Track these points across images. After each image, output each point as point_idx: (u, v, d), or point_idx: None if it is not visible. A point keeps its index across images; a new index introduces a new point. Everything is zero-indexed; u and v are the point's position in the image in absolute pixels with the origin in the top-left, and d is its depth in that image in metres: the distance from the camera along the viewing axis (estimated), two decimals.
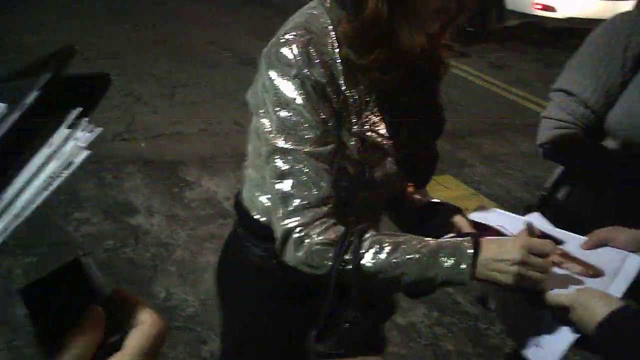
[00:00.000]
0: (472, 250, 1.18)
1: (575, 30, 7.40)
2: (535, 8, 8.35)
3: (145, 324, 0.52)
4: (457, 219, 1.43)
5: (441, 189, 4.39)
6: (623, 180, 1.74)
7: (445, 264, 1.18)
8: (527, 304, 1.30)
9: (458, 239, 1.23)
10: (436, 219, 1.46)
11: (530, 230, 1.33)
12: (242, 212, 1.43)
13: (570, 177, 1.87)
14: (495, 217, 1.46)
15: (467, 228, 1.40)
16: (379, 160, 1.29)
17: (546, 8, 8.31)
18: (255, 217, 1.39)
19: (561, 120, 1.75)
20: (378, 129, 1.27)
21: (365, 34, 1.19)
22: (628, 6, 2.04)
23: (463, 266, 1.17)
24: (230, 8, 8.34)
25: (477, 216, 1.46)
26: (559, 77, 1.82)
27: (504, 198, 4.45)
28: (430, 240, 1.22)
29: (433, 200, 1.54)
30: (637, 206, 1.67)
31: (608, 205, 1.75)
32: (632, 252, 1.37)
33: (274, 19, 1.38)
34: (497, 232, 1.39)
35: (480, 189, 4.55)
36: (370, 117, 1.27)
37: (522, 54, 8.42)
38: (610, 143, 1.73)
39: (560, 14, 8.27)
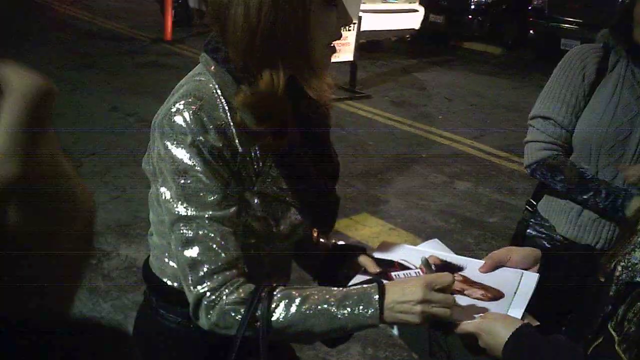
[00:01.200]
0: (377, 296, 1.22)
1: None
2: None
3: (19, 85, 0.43)
4: (363, 259, 1.48)
5: (360, 228, 4.47)
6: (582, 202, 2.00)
7: (354, 312, 1.21)
8: (433, 332, 1.36)
9: (364, 285, 1.27)
10: (342, 263, 1.52)
11: (427, 263, 1.38)
12: (152, 280, 1.42)
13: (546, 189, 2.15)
14: (398, 251, 1.52)
15: (373, 267, 1.45)
16: (283, 213, 1.33)
17: None
18: (167, 283, 1.39)
19: (544, 142, 2.02)
20: (278, 184, 1.31)
21: (257, 103, 1.23)
22: None
23: (370, 312, 1.21)
24: (126, 72, 8.29)
25: (381, 253, 1.52)
26: (533, 107, 2.10)
27: (420, 229, 4.58)
28: (337, 289, 1.26)
29: (338, 243, 1.59)
30: None
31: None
32: (526, 269, 1.45)
33: (173, 81, 1.41)
34: (401, 266, 1.44)
35: (397, 223, 4.66)
36: (269, 173, 1.30)
37: (421, 90, 8.75)
38: (574, 157, 2.01)
39: None
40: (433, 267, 1.41)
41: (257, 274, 1.35)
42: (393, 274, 1.39)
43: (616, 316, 1.14)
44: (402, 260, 1.46)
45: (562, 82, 2.02)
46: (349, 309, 1.21)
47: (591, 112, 1.98)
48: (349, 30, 7.71)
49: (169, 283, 1.39)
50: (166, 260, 1.38)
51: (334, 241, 1.59)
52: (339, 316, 1.21)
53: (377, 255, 1.50)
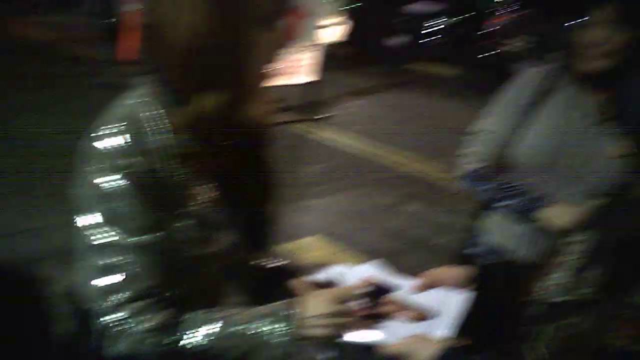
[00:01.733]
0: (289, 312, 1.24)
1: None
2: None
3: None
4: (299, 282, 1.50)
5: (310, 249, 4.48)
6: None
7: (268, 329, 1.24)
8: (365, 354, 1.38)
9: (277, 303, 1.29)
10: (279, 285, 1.52)
11: (331, 282, 1.42)
12: (79, 306, 1.40)
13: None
14: (336, 272, 1.55)
15: (310, 289, 1.46)
16: (216, 235, 1.33)
17: None
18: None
19: (475, 155, 2.16)
20: (209, 206, 1.31)
21: (187, 124, 1.23)
22: None
23: (283, 329, 1.23)
24: (80, 94, 8.19)
25: (319, 275, 1.55)
26: (475, 123, 2.23)
27: (370, 251, 4.59)
28: (254, 309, 1.28)
29: (275, 265, 1.60)
30: None
31: None
32: (456, 289, 1.49)
33: None
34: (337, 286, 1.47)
35: (348, 245, 4.69)
36: (199, 195, 1.29)
37: (374, 111, 8.83)
38: (516, 173, 2.11)
39: None
40: (368, 287, 1.45)
41: (190, 296, 1.35)
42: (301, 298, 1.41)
43: (543, 335, 1.18)
44: (339, 280, 1.50)
45: (503, 103, 2.15)
46: (261, 328, 1.23)
47: (533, 131, 2.07)
48: (308, 52, 7.76)
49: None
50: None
51: (273, 262, 1.60)
52: (252, 336, 1.23)
53: (315, 276, 1.53)
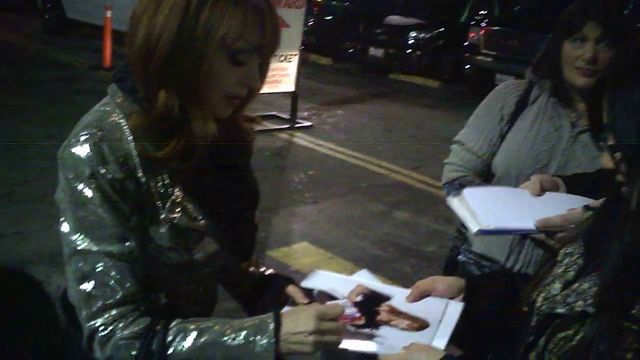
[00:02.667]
0: (273, 325, 1.22)
1: None
2: None
3: None
4: (290, 290, 1.48)
5: (299, 257, 4.48)
6: None
7: (249, 341, 1.21)
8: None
9: (261, 315, 1.26)
10: (269, 292, 1.51)
11: (318, 295, 1.40)
12: (70, 311, 1.37)
13: None
14: (326, 281, 1.53)
15: (300, 297, 1.45)
16: (196, 242, 1.32)
17: None
18: None
19: (457, 165, 2.20)
20: (189, 213, 1.30)
21: (158, 127, 1.22)
22: None
23: (265, 342, 1.21)
24: (62, 99, 8.13)
25: (309, 283, 1.52)
26: (458, 133, 2.28)
27: (359, 257, 4.61)
28: (237, 320, 1.26)
29: (266, 272, 1.59)
30: None
31: None
32: (451, 299, 1.47)
33: None
34: (328, 297, 1.45)
35: (337, 252, 4.68)
36: (178, 202, 1.29)
37: (361, 121, 8.88)
38: (496, 180, 2.14)
39: None
40: (361, 297, 1.43)
41: (176, 304, 1.35)
42: (285, 311, 1.35)
43: (537, 347, 1.16)
44: (330, 289, 1.47)
45: (481, 116, 2.19)
46: (244, 339, 1.21)
47: (512, 141, 2.11)
48: (290, 61, 7.79)
49: None
50: None
51: (262, 270, 1.58)
52: (235, 347, 1.21)
53: (305, 285, 1.51)
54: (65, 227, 1.24)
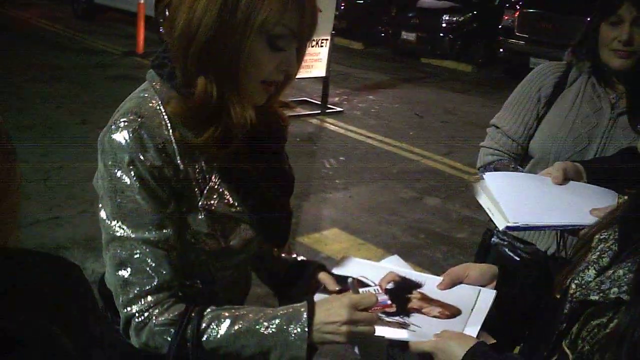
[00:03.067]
0: (306, 315, 1.22)
1: None
2: None
3: None
4: (322, 276, 1.48)
5: (330, 243, 4.48)
6: None
7: (282, 330, 1.21)
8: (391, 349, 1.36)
9: (294, 304, 1.26)
10: (301, 279, 1.50)
11: (353, 284, 1.37)
12: (108, 296, 1.38)
13: None
14: (357, 267, 1.52)
15: (332, 284, 1.45)
16: (233, 228, 1.32)
17: None
18: None
19: (492, 148, 2.19)
20: (225, 199, 1.30)
21: (197, 113, 1.22)
22: None
23: (298, 330, 1.21)
24: (96, 85, 8.23)
25: (340, 269, 1.51)
26: (492, 117, 2.27)
27: (390, 244, 4.60)
28: (270, 309, 1.26)
29: (298, 259, 1.58)
30: None
31: None
32: (483, 286, 1.46)
33: None
34: (360, 283, 1.44)
35: (367, 238, 4.68)
36: (215, 188, 1.29)
37: (392, 106, 8.83)
38: (533, 164, 2.12)
39: None
40: (392, 284, 1.43)
41: (211, 290, 1.36)
42: (318, 301, 1.34)
43: (570, 334, 1.15)
44: (361, 276, 1.47)
45: (518, 98, 2.18)
46: (277, 328, 1.21)
47: (550, 124, 2.10)
48: (322, 46, 7.77)
49: None
50: None
51: (294, 256, 1.58)
52: (268, 335, 1.21)
53: (336, 271, 1.50)
54: (103, 214, 1.24)
